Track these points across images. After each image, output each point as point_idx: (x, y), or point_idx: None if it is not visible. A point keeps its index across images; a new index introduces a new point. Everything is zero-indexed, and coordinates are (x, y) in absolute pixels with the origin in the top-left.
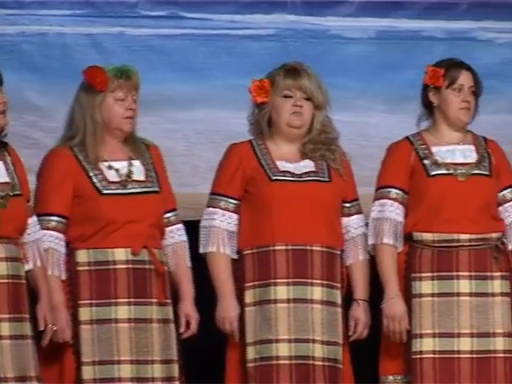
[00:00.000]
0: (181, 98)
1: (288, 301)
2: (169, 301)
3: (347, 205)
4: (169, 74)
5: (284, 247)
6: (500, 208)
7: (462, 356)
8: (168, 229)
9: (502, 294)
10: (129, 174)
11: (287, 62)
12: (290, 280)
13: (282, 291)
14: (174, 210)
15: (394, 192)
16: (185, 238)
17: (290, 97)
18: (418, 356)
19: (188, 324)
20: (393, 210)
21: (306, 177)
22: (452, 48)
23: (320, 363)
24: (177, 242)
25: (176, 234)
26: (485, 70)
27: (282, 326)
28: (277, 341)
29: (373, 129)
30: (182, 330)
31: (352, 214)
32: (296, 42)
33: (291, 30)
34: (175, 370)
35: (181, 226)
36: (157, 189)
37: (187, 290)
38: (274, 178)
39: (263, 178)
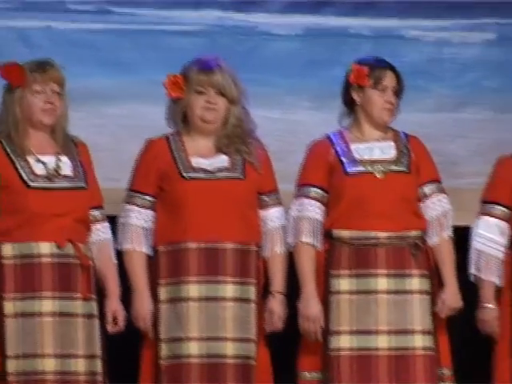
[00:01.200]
0: (107, 92)
1: (200, 299)
2: (93, 296)
3: (264, 197)
4: (96, 68)
5: (196, 245)
6: (421, 204)
7: (379, 353)
8: (94, 226)
9: (421, 292)
10: (56, 169)
11: (201, 56)
12: (202, 278)
13: (193, 290)
14: (100, 207)
15: (313, 191)
16: (109, 235)
17: (204, 93)
18: (336, 353)
19: (115, 320)
20: (312, 209)
21: (219, 173)
22: (378, 46)
23: (232, 361)
24: (102, 240)
25: (101, 232)
26: (411, 69)
27: (194, 324)
28: (188, 339)
29: (300, 126)
30: (108, 326)
31: (269, 207)
32: (224, 38)
33: (219, 26)
34: (98, 365)
35: (106, 224)
36: (84, 185)
37: (113, 286)
38: (186, 175)
39: (176, 175)
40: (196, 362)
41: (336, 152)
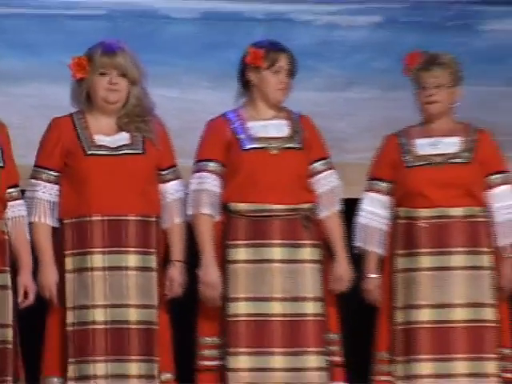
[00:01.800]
0: (15, 73)
1: (104, 269)
2: (7, 268)
3: (163, 172)
4: (3, 50)
5: (100, 218)
6: (312, 180)
7: (274, 319)
8: (10, 203)
9: (313, 262)
10: None
11: (104, 40)
12: (106, 249)
13: (98, 260)
14: (16, 185)
15: (211, 165)
16: (24, 213)
17: (107, 74)
18: (233, 319)
19: (26, 294)
20: (210, 182)
21: (120, 150)
22: (271, 29)
23: (135, 326)
24: (17, 217)
25: (16, 209)
26: (302, 50)
27: (99, 292)
28: (93, 307)
29: (198, 105)
30: (19, 299)
31: (168, 181)
32: (125, 21)
33: (120, 10)
34: (10, 334)
35: (21, 201)
36: (1, 164)
37: (25, 261)
38: (89, 152)
39: (80, 152)
40: (101, 327)
41: (233, 129)
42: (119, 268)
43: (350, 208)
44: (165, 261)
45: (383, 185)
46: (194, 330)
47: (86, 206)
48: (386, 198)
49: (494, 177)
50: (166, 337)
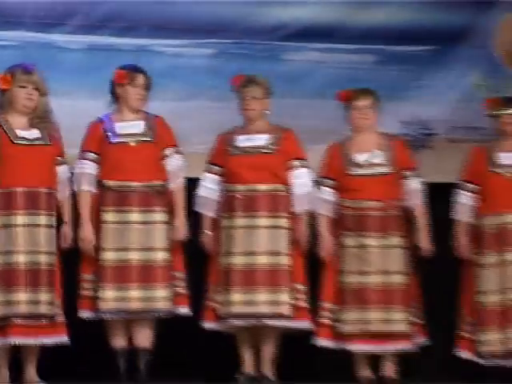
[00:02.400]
0: None
1: (24, 225)
2: None
3: (59, 158)
4: None
5: (22, 189)
6: (163, 162)
7: (133, 263)
8: None
9: (162, 223)
10: None
11: (22, 63)
12: (26, 212)
13: (20, 219)
14: None
15: (89, 155)
16: None
17: (25, 87)
18: (103, 263)
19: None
20: (88, 167)
21: (35, 141)
22: (136, 56)
23: (44, 267)
24: None
25: None
26: (158, 72)
27: (20, 241)
28: (16, 252)
29: (83, 110)
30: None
31: (61, 164)
32: (32, 50)
33: (28, 42)
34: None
35: None
36: None
37: None
38: (15, 141)
39: (8, 141)
40: (22, 268)
41: (104, 128)
42: (35, 225)
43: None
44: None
45: (216, 168)
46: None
47: (12, 179)
48: (217, 178)
49: (293, 162)
50: (58, 276)
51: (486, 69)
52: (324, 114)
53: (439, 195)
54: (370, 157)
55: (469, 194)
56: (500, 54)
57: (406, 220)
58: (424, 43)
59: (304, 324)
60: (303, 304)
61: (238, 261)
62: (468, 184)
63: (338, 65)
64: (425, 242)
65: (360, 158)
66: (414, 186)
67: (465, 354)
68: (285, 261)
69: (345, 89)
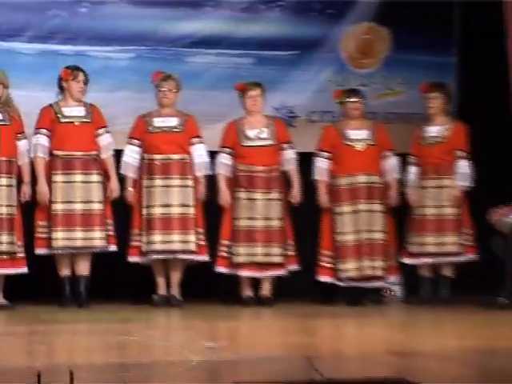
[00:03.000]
0: None
1: None
2: None
3: (19, 135)
4: None
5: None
6: (98, 138)
7: (76, 212)
8: None
9: (98, 182)
10: None
11: None
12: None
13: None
14: None
15: (42, 131)
16: None
17: None
18: (55, 212)
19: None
20: (42, 140)
21: (0, 122)
22: (77, 59)
23: (5, 217)
24: None
25: None
26: (93, 71)
27: None
28: None
29: (37, 98)
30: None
31: (21, 139)
32: None
33: None
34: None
35: None
36: None
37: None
38: None
39: None
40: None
41: (54, 111)
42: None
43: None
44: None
45: (136, 141)
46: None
47: None
48: (137, 149)
49: (194, 139)
50: (17, 222)
51: (335, 68)
52: (217, 101)
53: (302, 162)
54: (258, 133)
55: (325, 160)
56: (345, 57)
57: (284, 180)
58: (289, 49)
59: (204, 257)
60: (203, 243)
61: (158, 211)
62: (324, 153)
63: (226, 65)
64: (296, 196)
65: (251, 133)
66: (290, 155)
67: (325, 278)
68: (191, 211)
69: (231, 83)
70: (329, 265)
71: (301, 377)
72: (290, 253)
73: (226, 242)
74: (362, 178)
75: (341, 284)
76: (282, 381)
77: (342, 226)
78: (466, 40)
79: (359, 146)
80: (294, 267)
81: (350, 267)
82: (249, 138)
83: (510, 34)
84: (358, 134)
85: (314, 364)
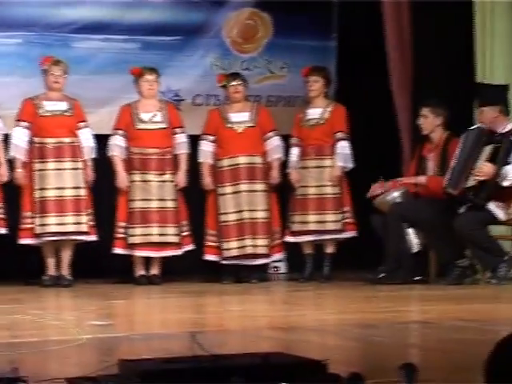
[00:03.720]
0: None
1: None
2: None
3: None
4: None
5: None
6: None
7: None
8: None
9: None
10: None
11: None
12: None
13: None
14: None
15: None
16: None
17: None
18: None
19: None
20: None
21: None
22: None
23: None
24: None
25: None
26: None
27: None
28: None
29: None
30: None
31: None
32: None
33: None
34: None
35: None
36: None
37: None
38: None
39: None
40: None
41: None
42: None
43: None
44: None
45: (25, 124)
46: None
47: None
48: (27, 131)
49: (80, 124)
50: None
51: (218, 53)
52: (103, 86)
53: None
54: (152, 116)
55: (209, 143)
56: (228, 42)
57: (175, 162)
58: (174, 34)
59: (93, 237)
60: (92, 223)
61: (51, 194)
62: (208, 136)
63: (112, 50)
64: (180, 180)
65: (145, 116)
66: (181, 139)
67: (210, 257)
68: (82, 193)
69: (117, 68)
70: (214, 244)
71: (186, 353)
72: (185, 233)
73: (122, 224)
74: (242, 160)
75: (224, 262)
76: (166, 357)
77: (225, 207)
78: (346, 25)
79: (239, 129)
80: (189, 247)
81: (232, 246)
82: (142, 121)
83: (388, 20)
84: (239, 117)
85: (198, 340)
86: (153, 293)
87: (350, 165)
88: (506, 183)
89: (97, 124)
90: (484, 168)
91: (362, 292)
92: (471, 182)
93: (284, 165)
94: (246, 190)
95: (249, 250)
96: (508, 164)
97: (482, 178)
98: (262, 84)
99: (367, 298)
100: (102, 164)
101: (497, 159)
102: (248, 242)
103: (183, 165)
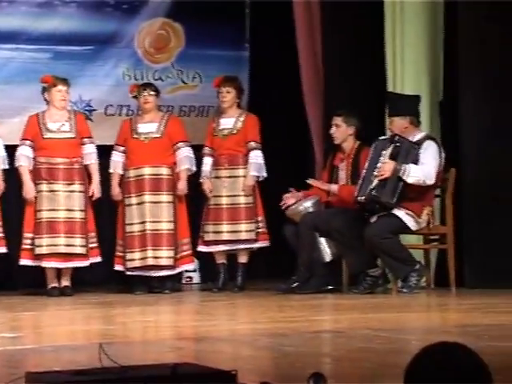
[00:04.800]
0: None
1: None
2: None
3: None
4: None
5: None
6: None
7: None
8: None
9: None
10: None
11: None
12: None
13: None
14: None
15: None
16: None
17: None
18: None
19: None
20: None
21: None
22: None
23: None
24: None
25: None
26: None
27: None
28: None
29: None
30: None
31: None
32: None
33: None
34: None
35: None
36: None
37: None
38: None
39: None
40: None
41: None
42: None
43: None
44: None
45: None
46: None
47: None
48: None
49: None
50: None
51: (130, 63)
52: (14, 96)
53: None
54: (60, 126)
55: (119, 153)
56: (141, 52)
57: (86, 172)
58: (85, 44)
59: (3, 249)
60: (2, 235)
61: None
62: (118, 146)
63: (23, 60)
64: (95, 191)
65: (53, 126)
66: (90, 149)
67: (119, 267)
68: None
69: (28, 78)
70: (122, 254)
71: (95, 364)
72: (93, 245)
73: (29, 235)
74: (147, 171)
75: (128, 273)
76: (75, 369)
77: (130, 217)
78: (258, 34)
79: (146, 140)
80: (96, 259)
81: (135, 257)
82: (50, 131)
83: (299, 29)
84: (147, 128)
85: (107, 351)
86: (64, 304)
87: (263, 174)
88: (410, 180)
89: (7, 135)
90: (385, 165)
91: (275, 301)
92: (375, 182)
93: (197, 175)
94: (150, 201)
95: (150, 262)
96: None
97: (384, 176)
98: (175, 94)
99: (280, 307)
100: (12, 175)
101: (397, 157)
102: (150, 253)
103: (95, 176)
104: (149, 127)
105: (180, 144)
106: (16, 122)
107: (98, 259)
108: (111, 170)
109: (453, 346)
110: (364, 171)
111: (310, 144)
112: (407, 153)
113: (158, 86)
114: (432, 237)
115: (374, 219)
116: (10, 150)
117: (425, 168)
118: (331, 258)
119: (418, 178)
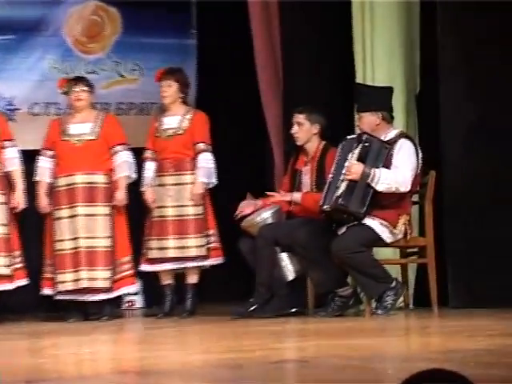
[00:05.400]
0: None
1: None
2: None
3: None
4: None
5: None
6: None
7: None
8: None
9: None
10: None
11: None
12: None
13: None
14: None
15: None
16: None
17: None
18: None
19: None
20: None
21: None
22: None
23: None
24: None
25: None
26: None
27: None
28: None
29: None
30: None
31: None
32: None
33: None
34: None
35: None
36: None
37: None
38: None
39: None
40: None
41: None
42: None
43: None
44: None
45: None
46: None
47: None
48: None
49: None
50: None
51: (58, 54)
52: None
53: (28, 160)
54: None
55: (47, 159)
56: (70, 41)
57: (8, 181)
58: (5, 33)
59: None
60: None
61: None
62: (46, 151)
63: None
64: (19, 201)
65: None
66: (11, 153)
67: (48, 290)
68: None
69: None
70: (51, 275)
71: None
72: (18, 265)
73: None
74: (80, 178)
75: (60, 297)
76: None
77: (61, 233)
78: (207, 21)
79: (78, 142)
80: (22, 282)
81: (67, 279)
82: None
83: (254, 18)
84: (79, 128)
85: None
86: None
87: (214, 181)
88: (380, 187)
89: None
90: (351, 167)
91: (231, 328)
92: (341, 187)
93: (138, 183)
94: (84, 213)
95: (84, 284)
96: (377, 168)
97: (350, 177)
98: (111, 89)
99: (236, 334)
100: None
101: (366, 159)
102: (84, 274)
103: (19, 184)
104: (81, 128)
105: (118, 147)
106: None
107: (24, 282)
108: (37, 179)
109: (441, 374)
110: (330, 176)
111: (268, 145)
112: (377, 154)
113: (92, 80)
114: (410, 250)
115: (342, 231)
116: None
117: (398, 172)
118: (294, 276)
119: (390, 186)
